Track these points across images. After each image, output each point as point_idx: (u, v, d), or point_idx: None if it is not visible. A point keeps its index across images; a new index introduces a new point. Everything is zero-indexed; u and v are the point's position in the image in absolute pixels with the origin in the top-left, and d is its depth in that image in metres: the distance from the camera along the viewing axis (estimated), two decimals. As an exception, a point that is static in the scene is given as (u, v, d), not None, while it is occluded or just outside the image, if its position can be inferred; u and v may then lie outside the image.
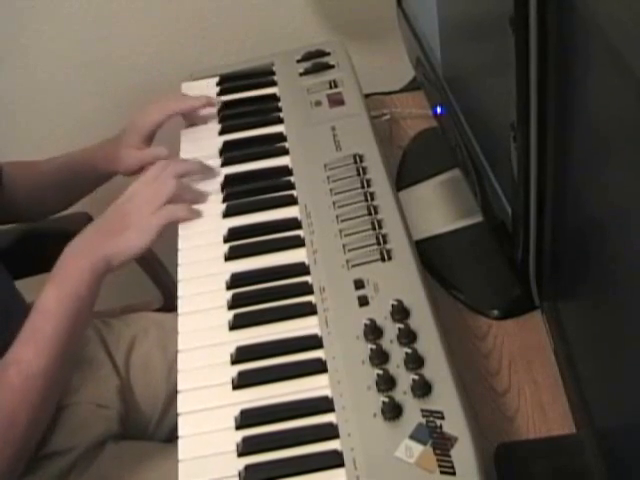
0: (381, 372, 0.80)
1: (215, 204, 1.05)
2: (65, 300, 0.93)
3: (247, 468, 0.77)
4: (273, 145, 1.13)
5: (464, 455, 0.73)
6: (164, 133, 1.22)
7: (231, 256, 0.98)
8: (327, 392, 0.81)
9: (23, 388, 0.89)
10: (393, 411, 0.77)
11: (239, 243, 0.99)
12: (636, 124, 0.55)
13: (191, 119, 1.21)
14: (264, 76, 1.26)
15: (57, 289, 0.94)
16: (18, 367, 0.90)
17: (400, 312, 0.85)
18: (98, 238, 0.98)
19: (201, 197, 1.06)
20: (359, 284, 0.89)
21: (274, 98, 1.22)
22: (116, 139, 1.23)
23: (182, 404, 0.84)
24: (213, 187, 1.08)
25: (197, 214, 1.03)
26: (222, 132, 1.18)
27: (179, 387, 0.86)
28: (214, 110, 1.21)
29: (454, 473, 0.72)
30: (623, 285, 0.63)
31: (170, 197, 1.01)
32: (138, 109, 1.23)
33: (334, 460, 0.76)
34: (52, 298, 0.93)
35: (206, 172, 1.09)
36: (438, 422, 0.76)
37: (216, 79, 1.29)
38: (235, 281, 0.95)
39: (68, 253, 0.96)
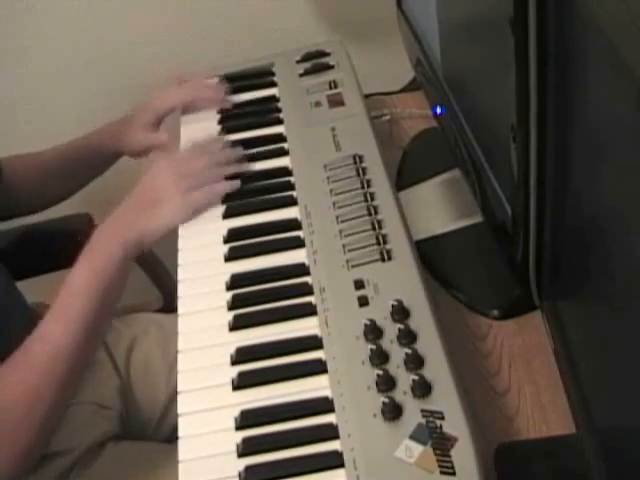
0: (381, 372, 0.80)
1: (215, 205, 1.05)
2: (95, 278, 0.92)
3: (247, 469, 0.77)
4: (273, 146, 1.13)
5: (464, 455, 0.73)
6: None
7: (231, 257, 0.98)
8: (327, 392, 0.81)
9: (48, 367, 0.89)
10: (393, 411, 0.77)
11: (239, 244, 0.99)
12: (636, 124, 0.55)
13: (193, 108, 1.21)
14: (264, 77, 1.27)
15: (87, 267, 0.93)
16: (44, 344, 0.89)
17: (400, 312, 0.85)
18: (130, 217, 0.97)
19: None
20: (359, 284, 0.89)
21: (274, 99, 1.22)
22: (125, 119, 1.23)
23: (182, 405, 0.84)
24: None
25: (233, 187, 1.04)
26: (222, 132, 1.18)
27: (179, 388, 0.86)
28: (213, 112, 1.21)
29: (454, 473, 0.72)
30: (623, 285, 0.63)
31: (201, 181, 1.00)
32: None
33: (334, 460, 0.76)
34: (82, 276, 0.92)
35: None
36: (438, 422, 0.76)
37: (216, 79, 1.29)
38: (235, 282, 0.95)
39: (101, 231, 0.96)
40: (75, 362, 0.91)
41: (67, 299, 0.92)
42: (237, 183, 1.04)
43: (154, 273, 1.39)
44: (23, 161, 1.25)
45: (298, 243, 0.97)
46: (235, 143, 1.13)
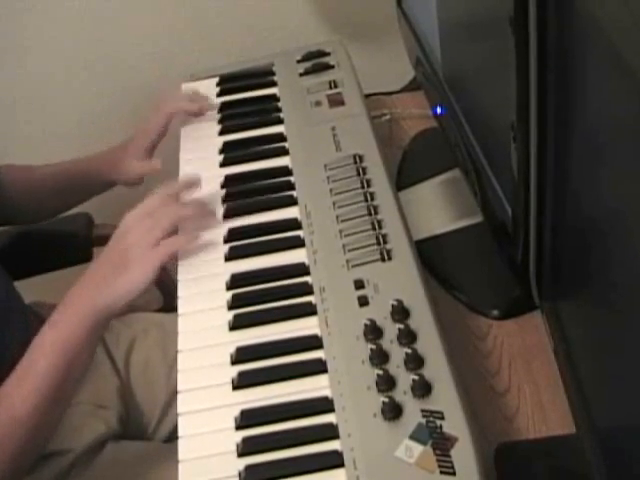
0: (381, 372, 0.80)
1: (215, 204, 1.05)
2: (61, 345, 0.90)
3: (247, 468, 0.77)
4: (273, 145, 1.13)
5: (464, 455, 0.73)
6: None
7: (231, 256, 0.98)
8: (327, 392, 0.81)
9: (8, 428, 0.87)
10: (393, 411, 0.77)
11: (239, 243, 0.99)
12: (636, 124, 0.55)
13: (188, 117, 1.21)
14: (264, 76, 1.27)
15: (54, 334, 0.91)
16: (4, 410, 0.87)
17: (400, 312, 0.85)
18: (97, 283, 0.94)
19: (201, 225, 1.02)
20: (359, 284, 0.89)
21: (274, 98, 1.22)
22: (122, 147, 1.23)
23: (182, 404, 0.84)
24: (213, 187, 1.08)
25: (196, 240, 0.99)
26: (222, 132, 1.18)
27: (179, 387, 0.86)
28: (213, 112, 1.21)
29: (454, 473, 0.72)
30: (623, 285, 0.63)
31: (168, 230, 0.96)
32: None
33: (334, 460, 0.76)
34: (47, 342, 0.90)
35: (205, 217, 1.03)
36: (438, 422, 0.76)
37: (216, 79, 1.29)
38: (235, 281, 0.95)
39: (69, 298, 0.93)
40: (36, 425, 0.88)
41: (32, 364, 0.90)
42: (193, 239, 0.99)
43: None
44: (20, 172, 1.25)
45: (298, 243, 0.97)
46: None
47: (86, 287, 0.94)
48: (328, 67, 1.23)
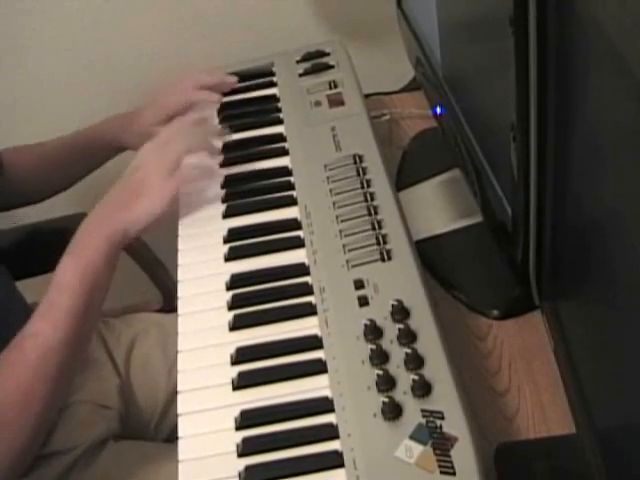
0: (381, 372, 0.80)
1: (215, 204, 1.05)
2: (82, 272, 0.92)
3: (247, 469, 0.77)
4: (273, 145, 1.13)
5: (464, 455, 0.73)
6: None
7: (231, 257, 0.98)
8: (327, 392, 0.81)
9: (39, 363, 0.88)
10: (393, 411, 0.77)
11: (239, 244, 0.99)
12: (636, 124, 0.55)
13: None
14: (264, 76, 1.27)
15: (73, 261, 0.93)
16: (35, 341, 0.89)
17: (400, 312, 0.85)
18: (113, 208, 0.97)
19: (213, 155, 1.08)
20: (359, 284, 0.89)
21: (274, 98, 1.22)
22: (133, 112, 1.23)
23: (182, 404, 0.84)
24: (213, 187, 1.08)
25: (210, 173, 1.05)
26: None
27: (179, 388, 0.86)
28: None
29: (454, 473, 0.72)
30: (623, 285, 0.63)
31: (181, 158, 1.00)
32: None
33: (334, 460, 0.76)
34: (68, 271, 0.92)
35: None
36: (438, 422, 0.76)
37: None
38: (235, 282, 0.95)
39: (85, 225, 0.96)
40: (66, 358, 0.90)
41: (55, 295, 0.91)
42: (207, 171, 1.07)
43: (154, 273, 1.39)
44: (24, 153, 1.26)
45: (298, 243, 0.97)
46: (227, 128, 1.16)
47: (100, 215, 0.97)
48: (328, 67, 1.23)
